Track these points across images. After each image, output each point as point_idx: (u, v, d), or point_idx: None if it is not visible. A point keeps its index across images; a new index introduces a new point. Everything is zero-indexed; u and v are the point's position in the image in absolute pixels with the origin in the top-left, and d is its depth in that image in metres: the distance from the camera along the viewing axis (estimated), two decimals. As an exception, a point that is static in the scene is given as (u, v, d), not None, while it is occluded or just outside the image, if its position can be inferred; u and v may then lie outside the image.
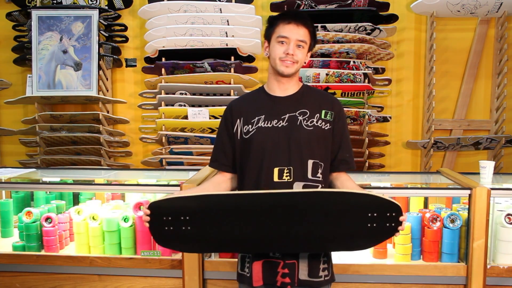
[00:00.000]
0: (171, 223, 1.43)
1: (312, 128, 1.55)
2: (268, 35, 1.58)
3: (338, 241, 1.44)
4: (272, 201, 1.38)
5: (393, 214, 1.36)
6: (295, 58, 1.52)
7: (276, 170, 1.53)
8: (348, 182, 1.59)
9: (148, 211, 1.43)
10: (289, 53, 1.51)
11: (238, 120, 1.60)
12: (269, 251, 1.54)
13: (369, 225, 1.38)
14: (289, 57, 1.51)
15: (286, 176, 1.52)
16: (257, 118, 1.57)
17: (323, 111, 1.58)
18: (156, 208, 1.43)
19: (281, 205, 1.38)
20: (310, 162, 1.54)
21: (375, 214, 1.37)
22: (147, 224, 1.45)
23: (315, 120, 1.56)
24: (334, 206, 1.38)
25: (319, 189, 1.45)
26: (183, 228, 1.43)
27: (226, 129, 1.64)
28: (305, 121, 1.55)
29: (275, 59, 1.54)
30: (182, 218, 1.42)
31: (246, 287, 1.59)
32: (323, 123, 1.57)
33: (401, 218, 1.37)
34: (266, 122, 1.56)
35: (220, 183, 1.66)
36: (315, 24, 3.37)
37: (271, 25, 1.57)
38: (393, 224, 1.38)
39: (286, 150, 1.53)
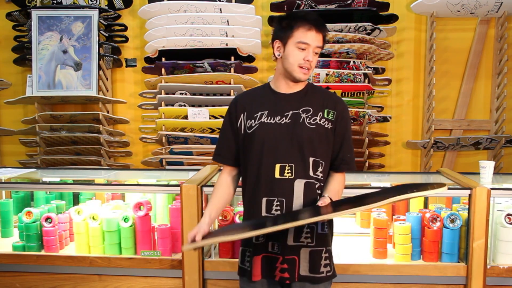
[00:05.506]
0: None
1: (314, 126, 1.55)
2: (284, 37, 1.53)
3: None
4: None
5: None
6: (312, 64, 1.53)
7: (277, 166, 1.53)
8: (333, 184, 1.60)
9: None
10: (309, 60, 1.51)
11: (242, 115, 1.61)
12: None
13: None
14: (307, 64, 1.52)
15: (288, 173, 1.53)
16: (260, 113, 1.58)
17: (326, 110, 1.58)
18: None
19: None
20: (311, 160, 1.54)
21: None
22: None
23: (318, 118, 1.56)
24: None
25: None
26: None
27: (230, 123, 1.65)
28: (308, 118, 1.56)
29: (293, 65, 1.52)
30: None
31: (246, 281, 1.61)
32: (326, 122, 1.57)
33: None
34: (269, 118, 1.57)
35: (229, 185, 1.67)
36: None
37: (290, 27, 1.52)
38: None
39: (288, 147, 1.54)
